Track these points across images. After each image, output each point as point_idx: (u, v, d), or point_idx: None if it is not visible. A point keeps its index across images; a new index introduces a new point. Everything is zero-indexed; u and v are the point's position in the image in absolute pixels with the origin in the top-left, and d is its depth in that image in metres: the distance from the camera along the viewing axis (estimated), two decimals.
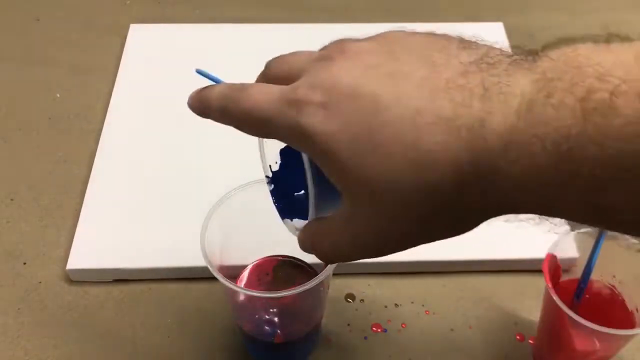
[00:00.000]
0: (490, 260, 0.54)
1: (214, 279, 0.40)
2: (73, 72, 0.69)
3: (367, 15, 0.75)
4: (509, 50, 0.27)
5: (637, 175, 0.21)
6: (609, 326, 0.40)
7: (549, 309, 0.45)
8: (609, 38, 0.24)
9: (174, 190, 0.57)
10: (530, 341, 0.50)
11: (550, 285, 0.42)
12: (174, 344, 0.49)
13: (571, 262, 0.48)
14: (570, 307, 0.41)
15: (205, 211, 0.43)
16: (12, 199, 0.58)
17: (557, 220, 0.26)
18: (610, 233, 0.42)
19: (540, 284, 0.45)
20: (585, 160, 0.22)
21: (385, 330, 0.50)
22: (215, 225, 0.43)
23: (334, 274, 0.43)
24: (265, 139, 0.36)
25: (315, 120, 0.27)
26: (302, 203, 0.33)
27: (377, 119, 0.26)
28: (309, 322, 0.47)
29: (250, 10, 0.77)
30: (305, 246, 0.33)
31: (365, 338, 0.50)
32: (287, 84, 0.29)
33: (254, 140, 0.38)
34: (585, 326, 0.40)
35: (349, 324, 0.51)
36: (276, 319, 0.47)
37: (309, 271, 0.48)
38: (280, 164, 0.37)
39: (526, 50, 0.26)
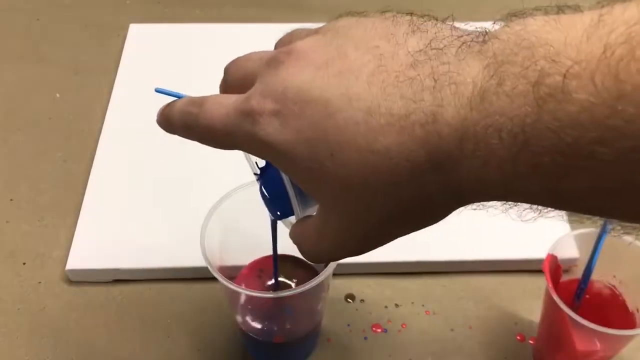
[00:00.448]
0: (491, 260, 0.53)
1: (213, 279, 0.40)
2: (73, 72, 0.69)
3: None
4: (458, 27, 0.26)
5: (598, 162, 0.21)
6: (609, 326, 0.40)
7: (550, 309, 0.45)
8: (560, 9, 0.23)
9: (173, 190, 0.57)
10: (531, 341, 0.50)
11: (550, 285, 0.42)
12: (174, 344, 0.49)
13: (571, 262, 0.48)
14: (571, 308, 0.41)
15: (204, 211, 0.43)
16: (11, 199, 0.58)
17: (553, 213, 0.26)
18: (610, 233, 0.42)
19: (540, 284, 0.45)
20: (544, 149, 0.21)
21: (385, 330, 0.50)
22: (214, 225, 0.43)
23: (334, 274, 0.43)
24: None
25: (270, 131, 0.27)
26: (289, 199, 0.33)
27: (329, 123, 0.26)
28: (309, 322, 0.47)
29: (250, 10, 0.77)
30: (295, 244, 0.33)
31: (365, 338, 0.50)
32: (244, 91, 0.29)
33: None
34: (585, 326, 0.40)
35: (349, 324, 0.51)
36: (276, 319, 0.47)
37: (309, 270, 0.48)
38: (266, 161, 0.37)
39: (476, 29, 0.25)
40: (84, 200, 0.56)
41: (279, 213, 0.36)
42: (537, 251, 0.46)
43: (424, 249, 0.53)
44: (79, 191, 0.58)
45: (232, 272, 0.46)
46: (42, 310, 0.51)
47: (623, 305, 0.46)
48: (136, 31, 0.72)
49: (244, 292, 0.43)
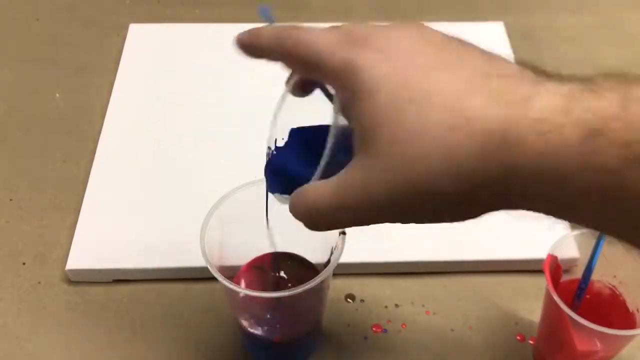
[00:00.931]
0: (491, 260, 0.53)
1: (214, 279, 0.40)
2: (73, 72, 0.69)
3: (368, 15, 0.75)
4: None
5: None
6: (609, 326, 0.40)
7: (550, 309, 0.45)
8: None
9: (173, 190, 0.57)
10: (531, 341, 0.50)
11: (550, 285, 0.42)
12: (174, 343, 0.49)
13: (572, 262, 0.48)
14: (571, 308, 0.41)
15: (204, 211, 0.43)
16: (11, 199, 0.58)
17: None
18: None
19: (540, 285, 0.45)
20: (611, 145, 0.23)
21: (385, 331, 0.50)
22: (214, 225, 0.43)
23: (334, 274, 0.43)
24: (280, 112, 0.36)
25: (370, 57, 0.28)
26: (294, 183, 0.33)
27: (428, 79, 0.27)
28: (309, 322, 0.47)
29: (250, 10, 0.77)
30: (297, 205, 0.32)
31: (365, 338, 0.50)
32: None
33: (253, 140, 0.38)
34: (585, 326, 0.40)
35: (349, 324, 0.51)
36: (276, 319, 0.47)
37: (309, 270, 0.48)
38: (287, 141, 0.37)
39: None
40: (84, 200, 0.56)
41: (279, 189, 0.36)
42: (537, 251, 0.46)
43: (424, 249, 0.53)
44: (79, 191, 0.58)
45: (232, 272, 0.46)
46: (42, 310, 0.51)
47: (623, 306, 0.46)
48: (136, 31, 0.72)
49: (243, 292, 0.43)
